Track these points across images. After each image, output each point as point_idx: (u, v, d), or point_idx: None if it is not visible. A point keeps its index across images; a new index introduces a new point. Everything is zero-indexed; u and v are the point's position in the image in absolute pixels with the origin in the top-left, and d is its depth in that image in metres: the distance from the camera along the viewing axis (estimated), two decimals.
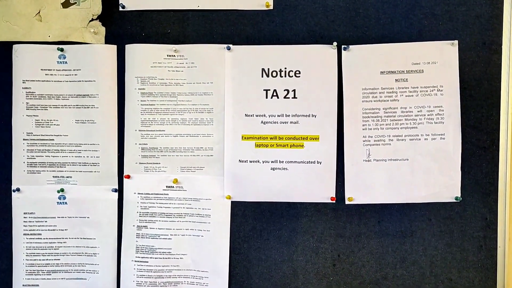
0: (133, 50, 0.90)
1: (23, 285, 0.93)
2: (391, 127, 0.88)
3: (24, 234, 0.93)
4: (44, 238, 0.93)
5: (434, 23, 0.88)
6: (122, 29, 0.91)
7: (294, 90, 0.89)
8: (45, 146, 0.92)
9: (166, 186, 0.92)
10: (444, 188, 0.89)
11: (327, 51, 0.88)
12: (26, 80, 0.91)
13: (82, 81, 0.91)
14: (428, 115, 0.88)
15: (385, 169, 0.89)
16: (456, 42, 0.87)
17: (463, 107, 0.87)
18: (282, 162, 0.90)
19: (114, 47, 0.91)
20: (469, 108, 0.89)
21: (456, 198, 0.89)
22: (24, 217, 0.92)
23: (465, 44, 0.88)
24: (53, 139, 0.92)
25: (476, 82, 0.88)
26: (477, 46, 0.88)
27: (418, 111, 0.88)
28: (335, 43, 0.88)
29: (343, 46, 0.88)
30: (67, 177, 0.93)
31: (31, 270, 0.93)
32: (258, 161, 0.90)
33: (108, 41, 0.91)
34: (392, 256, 0.91)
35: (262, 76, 0.89)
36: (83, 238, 0.93)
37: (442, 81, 0.87)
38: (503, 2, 0.87)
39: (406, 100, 0.88)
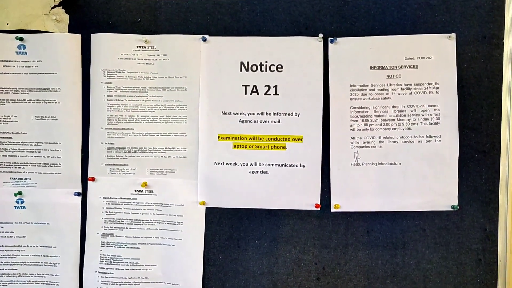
0: (99, 40, 0.83)
1: None
2: (382, 128, 0.82)
3: None
4: (0, 246, 0.85)
5: (429, 14, 0.81)
6: (87, 17, 0.84)
7: (275, 86, 0.82)
8: (2, 144, 0.84)
9: (135, 190, 0.85)
10: (440, 196, 0.82)
11: (312, 44, 0.82)
12: None
13: (43, 73, 0.83)
14: (423, 115, 0.81)
15: (375, 173, 0.82)
16: (453, 35, 0.80)
17: (461, 107, 0.81)
18: (262, 165, 0.83)
19: (78, 37, 0.83)
20: (467, 107, 0.82)
21: (453, 206, 0.82)
22: None
23: (463, 37, 0.81)
24: (10, 137, 0.85)
25: (475, 79, 0.82)
26: (477, 39, 0.81)
27: (411, 111, 0.81)
28: (321, 35, 0.81)
29: (329, 39, 0.81)
30: (26, 179, 0.85)
31: None
32: (236, 164, 0.83)
33: (72, 30, 0.84)
34: (382, 270, 0.83)
35: (241, 70, 0.83)
36: (43, 246, 0.86)
37: (438, 78, 0.81)
38: None
39: (399, 98, 0.81)
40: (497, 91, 0.81)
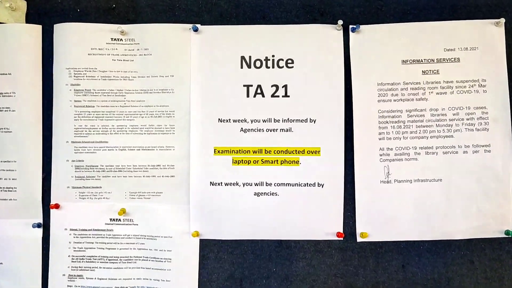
0: (64, 31, 0.70)
1: None
2: (417, 136, 0.70)
3: None
4: None
5: None
6: (49, 4, 0.72)
7: (285, 86, 0.71)
8: None
9: (110, 219, 0.71)
10: (491, 219, 0.70)
11: (330, 33, 0.70)
12: None
13: None
14: (468, 119, 0.70)
15: (410, 193, 0.70)
16: (502, 20, 0.69)
17: None
18: (270, 184, 0.70)
19: (38, 28, 0.71)
20: None
21: (507, 232, 0.70)
22: None
23: None
24: None
25: None
26: None
27: (453, 114, 0.70)
28: (340, 22, 0.69)
29: (351, 27, 0.70)
30: None
31: None
32: (237, 184, 0.70)
33: (30, 19, 0.72)
34: None
35: (242, 67, 0.71)
36: None
37: (485, 73, 0.70)
38: None
39: (438, 99, 0.70)
40: None
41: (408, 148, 0.69)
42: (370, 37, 0.70)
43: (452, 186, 0.69)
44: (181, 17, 0.70)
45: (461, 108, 0.69)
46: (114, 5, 0.69)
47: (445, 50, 0.70)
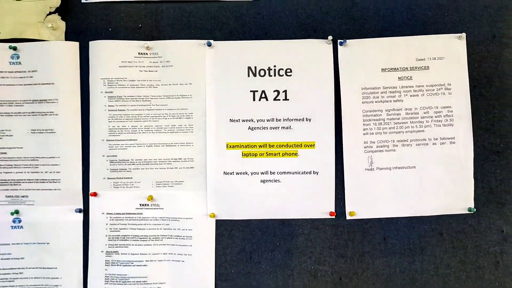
0: (98, 47, 0.79)
1: None
2: (395, 131, 0.80)
3: None
4: None
5: (439, 14, 0.80)
6: (85, 23, 0.80)
7: (285, 91, 0.80)
8: None
9: (140, 205, 0.81)
10: (456, 199, 0.80)
11: (321, 47, 0.80)
12: None
13: (39, 84, 0.79)
14: (436, 117, 0.80)
15: (390, 178, 0.80)
16: (463, 35, 0.79)
17: (474, 108, 0.80)
18: (274, 173, 0.80)
19: (76, 45, 0.80)
20: (480, 108, 0.81)
21: (470, 209, 0.80)
22: None
23: (473, 37, 0.80)
24: (5, 153, 0.80)
25: (487, 79, 0.81)
26: (487, 39, 0.81)
27: (424, 113, 0.80)
28: (330, 38, 0.79)
29: (339, 41, 0.79)
30: (23, 196, 0.80)
31: None
32: (246, 173, 0.80)
33: (69, 37, 0.80)
34: (401, 277, 0.81)
35: (249, 76, 0.80)
36: (43, 268, 0.80)
37: (450, 78, 0.80)
38: None
39: (411, 100, 0.80)
40: (509, 90, 0.80)
41: (387, 141, 0.79)
42: (355, 50, 0.79)
43: (424, 172, 0.79)
44: (197, 34, 0.79)
45: (431, 108, 0.79)
46: (140, 25, 0.79)
47: (416, 59, 0.79)
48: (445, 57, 0.79)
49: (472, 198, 0.80)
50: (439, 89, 0.79)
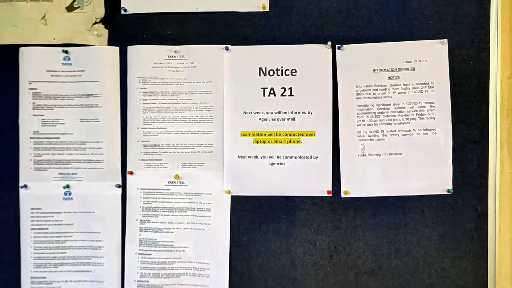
0: (135, 51, 0.94)
1: (31, 278, 0.96)
2: (384, 123, 0.91)
3: (31, 229, 0.96)
4: (51, 233, 0.96)
5: (424, 23, 0.91)
6: (124, 31, 0.94)
7: (290, 88, 0.92)
8: (51, 144, 0.95)
9: (168, 182, 0.95)
10: (436, 181, 0.91)
11: (322, 51, 0.91)
12: (32, 81, 0.94)
13: (86, 81, 0.94)
14: (420, 111, 0.91)
15: (379, 163, 0.92)
16: (445, 40, 0.90)
17: (453, 103, 0.91)
18: (280, 157, 0.93)
19: (116, 49, 0.94)
20: (459, 103, 0.91)
21: (448, 190, 0.91)
22: (32, 213, 0.96)
23: (454, 42, 0.91)
24: (58, 137, 0.95)
25: (466, 79, 0.91)
26: (466, 44, 0.91)
27: (410, 107, 0.91)
28: (329, 43, 0.91)
29: (337, 46, 0.91)
30: (73, 173, 0.96)
31: (38, 263, 0.96)
32: (257, 157, 0.93)
33: (110, 43, 0.94)
34: (387, 247, 0.94)
35: (260, 75, 0.92)
36: (89, 232, 0.96)
37: (433, 78, 0.90)
38: (490, 2, 0.90)
39: (399, 96, 0.91)
40: (485, 89, 0.91)
41: (377, 131, 0.90)
42: (350, 53, 0.90)
43: (409, 158, 0.90)
44: (217, 40, 0.92)
45: (416, 103, 0.89)
46: (169, 32, 0.93)
47: (404, 62, 0.89)
48: (429, 60, 0.90)
49: (450, 180, 0.91)
50: (423, 87, 0.90)
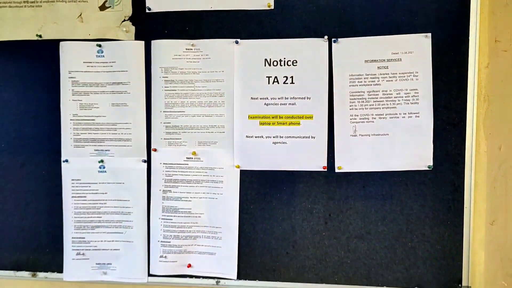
0: (157, 45, 1.07)
1: (72, 238, 1.14)
2: (374, 107, 1.02)
3: (72, 197, 1.13)
4: (88, 200, 1.13)
5: (410, 19, 1.01)
6: (148, 27, 1.07)
7: (292, 77, 1.04)
8: (88, 125, 1.11)
9: (186, 158, 1.09)
10: (419, 158, 1.02)
11: (319, 44, 1.03)
12: (71, 71, 1.10)
13: (117, 71, 1.09)
14: (406, 97, 1.01)
15: (369, 142, 1.03)
16: (429, 34, 0.99)
17: (435, 90, 1.01)
18: (282, 137, 1.05)
19: (142, 43, 1.07)
20: (440, 91, 1.01)
21: (429, 166, 1.02)
22: (72, 183, 1.13)
23: (437, 36, 1.00)
24: (94, 119, 1.11)
25: (447, 68, 1.01)
26: (448, 38, 1.01)
27: (397, 94, 1.01)
28: (326, 37, 1.02)
29: (333, 39, 1.02)
30: (106, 150, 1.12)
31: (78, 226, 1.14)
32: (262, 137, 1.06)
33: (137, 38, 1.08)
34: (375, 215, 1.07)
35: (265, 65, 1.04)
36: (120, 200, 1.13)
37: (417, 68, 1.00)
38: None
39: (387, 84, 1.01)
40: (463, 77, 1.01)
41: (368, 115, 1.01)
42: (345, 46, 1.00)
43: (395, 138, 1.01)
44: (228, 35, 1.05)
45: (402, 90, 1.00)
46: (187, 28, 1.06)
47: (392, 53, 0.99)
48: (414, 52, 0.99)
49: (431, 158, 1.02)
50: (409, 76, 1.00)
